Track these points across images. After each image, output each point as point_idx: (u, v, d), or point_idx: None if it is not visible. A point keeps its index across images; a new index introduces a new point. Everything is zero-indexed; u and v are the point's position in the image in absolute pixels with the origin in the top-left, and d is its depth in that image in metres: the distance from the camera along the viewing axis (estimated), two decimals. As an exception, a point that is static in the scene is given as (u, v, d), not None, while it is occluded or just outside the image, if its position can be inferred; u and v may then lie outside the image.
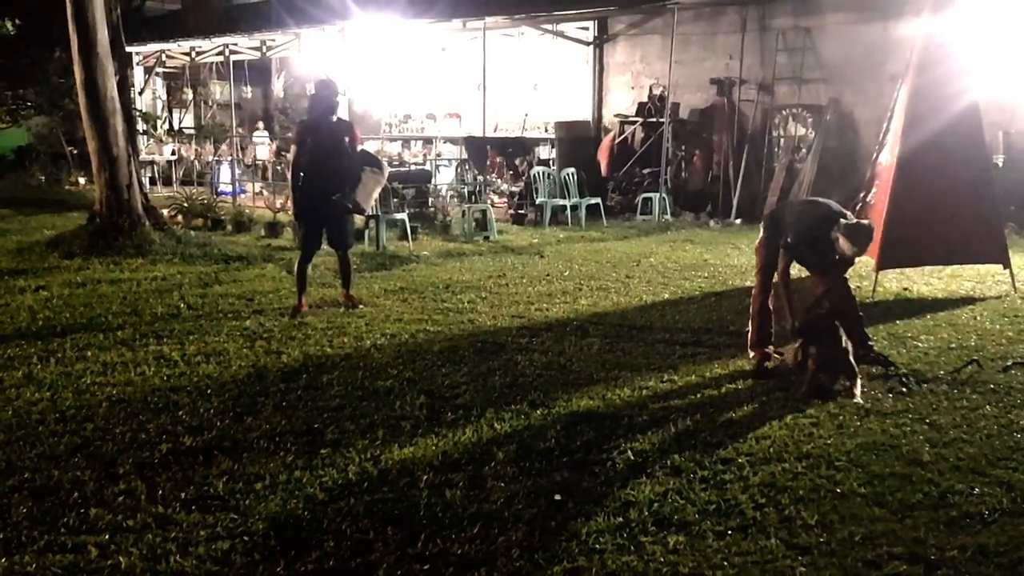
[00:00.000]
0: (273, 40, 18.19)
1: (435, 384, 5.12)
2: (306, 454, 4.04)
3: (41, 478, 3.77)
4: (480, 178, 14.60)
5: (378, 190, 7.32)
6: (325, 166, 6.82)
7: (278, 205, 12.78)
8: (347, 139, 6.94)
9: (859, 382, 4.96)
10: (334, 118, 7.00)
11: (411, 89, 19.02)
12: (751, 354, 5.58)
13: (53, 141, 19.92)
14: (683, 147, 15.22)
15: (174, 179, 19.09)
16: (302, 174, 6.89)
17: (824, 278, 5.52)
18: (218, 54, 19.24)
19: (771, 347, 5.58)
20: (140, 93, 19.95)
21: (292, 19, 17.43)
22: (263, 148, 19.31)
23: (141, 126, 16.01)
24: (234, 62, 18.87)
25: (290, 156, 7.41)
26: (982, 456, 4.04)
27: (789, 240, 5.34)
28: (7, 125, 20.10)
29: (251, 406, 4.73)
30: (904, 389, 5.02)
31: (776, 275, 5.51)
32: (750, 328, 5.65)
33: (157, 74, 21.77)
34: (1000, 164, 11.91)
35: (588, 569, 3.04)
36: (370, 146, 14.94)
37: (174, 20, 23.21)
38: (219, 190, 16.97)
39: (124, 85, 11.04)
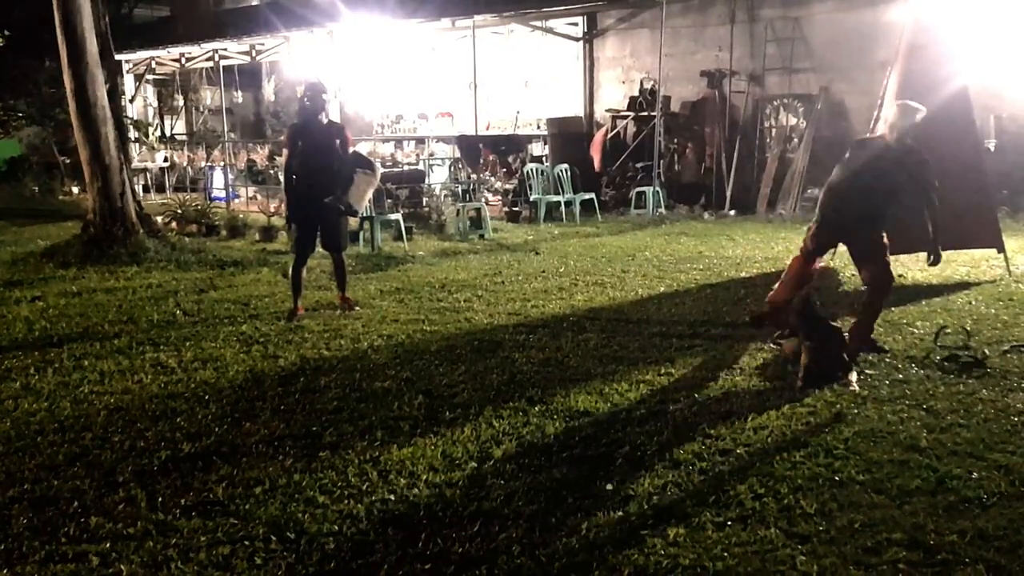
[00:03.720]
0: (263, 44, 18.19)
1: (433, 384, 5.12)
2: (305, 457, 4.04)
3: (41, 488, 3.76)
4: (474, 177, 14.60)
5: (370, 191, 7.33)
6: (317, 169, 6.82)
7: (272, 209, 12.76)
8: (338, 141, 6.94)
9: (855, 370, 4.98)
10: (325, 120, 7.01)
11: (402, 89, 19.02)
12: (766, 305, 5.78)
13: (45, 151, 19.88)
14: (675, 140, 15.24)
15: (167, 186, 19.06)
16: (294, 177, 6.91)
17: (868, 267, 5.54)
18: (208, 59, 19.22)
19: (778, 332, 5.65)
20: (131, 101, 19.93)
21: (281, 22, 17.41)
22: None
23: (133, 134, 16.00)
24: (224, 67, 18.86)
25: (282, 159, 7.42)
26: (979, 440, 4.05)
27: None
28: (-1, 136, 20.12)
29: (249, 411, 4.73)
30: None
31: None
32: (776, 287, 5.83)
33: (147, 81, 21.76)
34: (992, 148, 11.93)
35: (589, 564, 3.04)
36: (362, 147, 14.95)
37: (163, 27, 23.17)
38: (212, 196, 16.97)
39: (114, 93, 11.03)
